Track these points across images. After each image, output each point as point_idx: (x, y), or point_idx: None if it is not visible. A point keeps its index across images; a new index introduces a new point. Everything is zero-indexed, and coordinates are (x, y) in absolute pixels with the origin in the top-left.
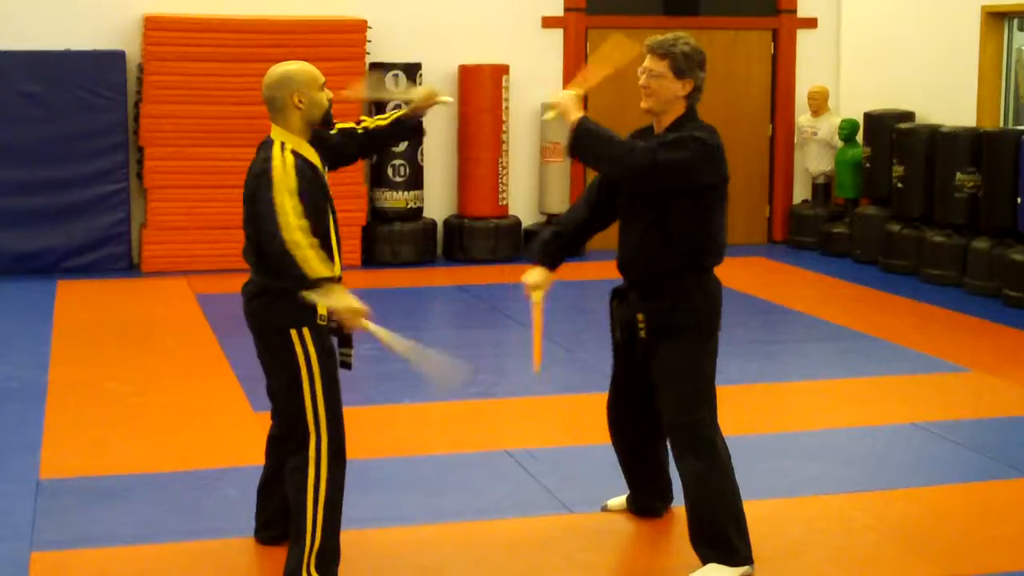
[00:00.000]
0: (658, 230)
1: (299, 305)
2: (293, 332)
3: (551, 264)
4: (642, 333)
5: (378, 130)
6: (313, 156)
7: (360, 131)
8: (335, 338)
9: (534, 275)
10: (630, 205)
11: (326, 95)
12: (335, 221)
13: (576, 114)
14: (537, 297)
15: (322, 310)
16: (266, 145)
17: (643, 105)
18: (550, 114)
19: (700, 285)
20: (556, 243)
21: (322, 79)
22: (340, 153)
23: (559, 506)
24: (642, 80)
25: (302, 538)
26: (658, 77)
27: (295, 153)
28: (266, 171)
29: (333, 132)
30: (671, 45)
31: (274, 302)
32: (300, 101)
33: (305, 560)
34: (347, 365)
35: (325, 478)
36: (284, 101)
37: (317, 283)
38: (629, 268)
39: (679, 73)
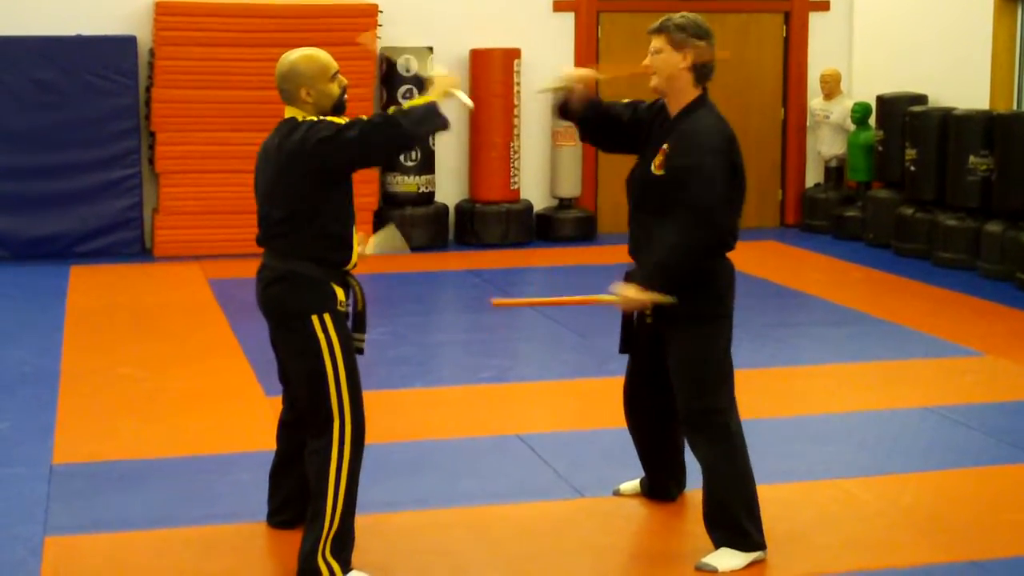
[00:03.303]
0: (670, 216)
1: (320, 291)
2: (315, 318)
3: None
4: (648, 319)
5: None
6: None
7: None
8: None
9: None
10: (641, 191)
11: (339, 83)
12: (352, 207)
13: (643, 295)
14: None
15: (341, 296)
16: (286, 123)
17: (651, 84)
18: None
19: (712, 270)
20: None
21: (333, 68)
22: None
23: (571, 490)
24: (646, 61)
25: (320, 521)
26: (658, 52)
27: None
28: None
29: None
30: (665, 20)
31: (294, 288)
32: (308, 94)
33: (321, 543)
34: (359, 351)
35: (347, 463)
36: (293, 94)
37: (432, 111)
38: (640, 253)
39: (676, 45)
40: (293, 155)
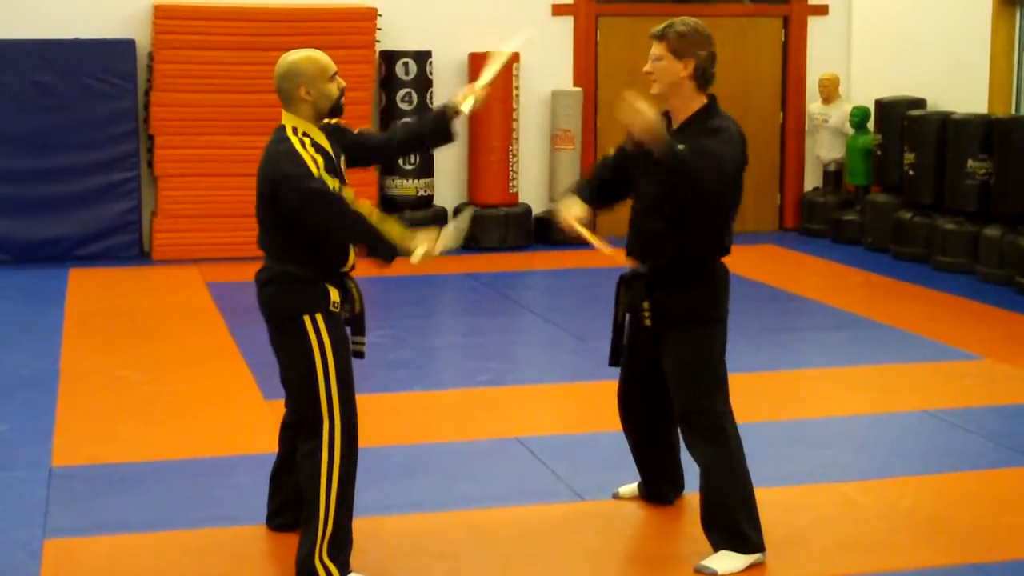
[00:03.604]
0: (668, 220)
1: (312, 292)
2: (307, 319)
3: (588, 196)
4: (647, 321)
5: (408, 132)
6: (323, 141)
7: (384, 140)
8: (347, 326)
9: (570, 206)
10: (640, 192)
11: (337, 85)
12: None
13: (658, 129)
14: (578, 227)
15: (335, 297)
16: (277, 132)
17: (652, 91)
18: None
19: (708, 273)
20: (587, 186)
21: (332, 68)
22: (354, 156)
23: (570, 493)
24: (647, 67)
25: (314, 525)
26: (659, 60)
27: (308, 136)
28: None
29: (355, 132)
30: (667, 27)
31: (287, 289)
32: (308, 93)
33: (318, 547)
34: (360, 354)
35: (338, 464)
36: (291, 93)
37: (388, 248)
38: (637, 256)
39: (677, 54)
40: (267, 169)
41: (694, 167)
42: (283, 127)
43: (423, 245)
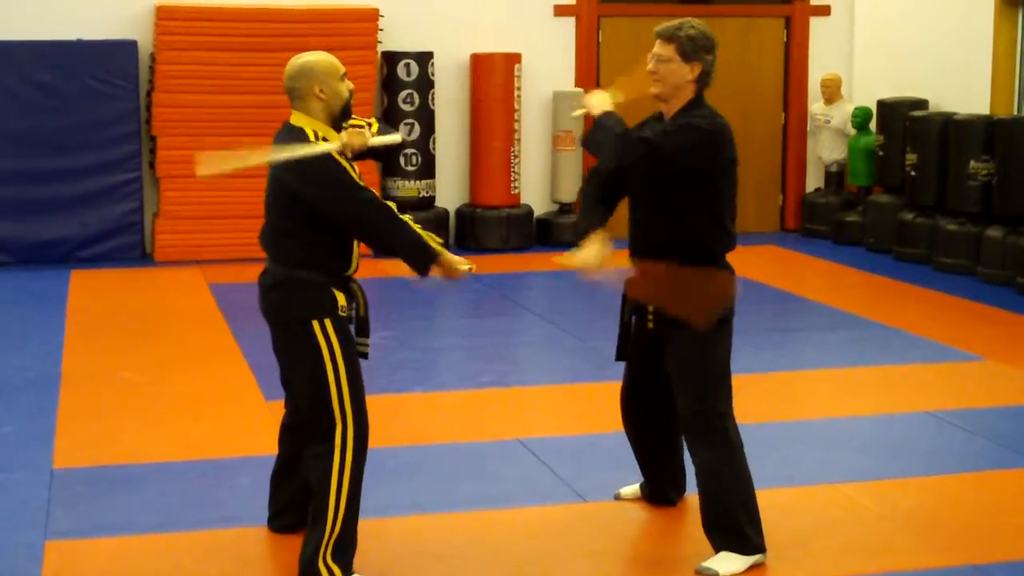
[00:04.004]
0: (666, 220)
1: (321, 297)
2: (315, 324)
3: (600, 220)
4: (650, 324)
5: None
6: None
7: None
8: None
9: (587, 254)
10: (639, 195)
11: (347, 85)
12: None
13: (598, 110)
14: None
15: (342, 301)
16: (294, 131)
17: (652, 91)
18: (578, 111)
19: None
20: (594, 212)
21: (343, 69)
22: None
23: (572, 494)
24: (650, 66)
25: (322, 526)
26: (666, 62)
27: (327, 140)
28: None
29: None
30: (677, 29)
31: (294, 293)
32: (321, 91)
33: (323, 548)
34: (364, 355)
35: (350, 467)
36: (305, 91)
37: (430, 255)
38: (640, 258)
39: (686, 57)
40: (294, 174)
41: (594, 140)
42: (300, 129)
43: (466, 264)
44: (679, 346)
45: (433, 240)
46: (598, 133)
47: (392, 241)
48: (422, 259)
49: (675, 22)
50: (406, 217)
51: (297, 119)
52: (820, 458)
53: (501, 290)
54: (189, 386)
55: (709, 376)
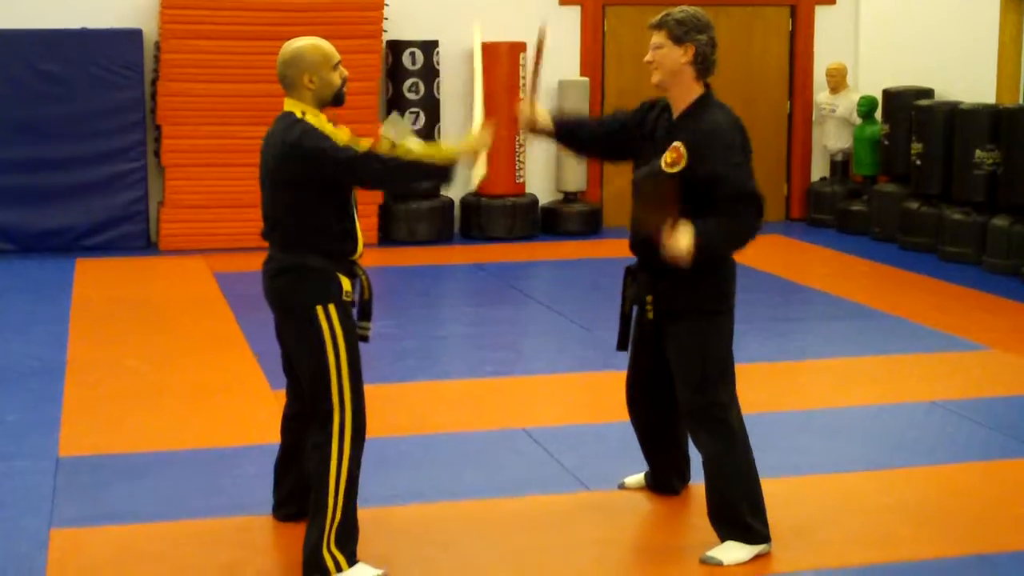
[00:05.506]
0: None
1: (326, 282)
2: (319, 309)
3: (562, 128)
4: (649, 314)
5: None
6: (327, 128)
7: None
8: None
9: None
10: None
11: (340, 74)
12: (354, 198)
13: (686, 241)
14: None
15: (347, 287)
16: (285, 117)
17: (652, 80)
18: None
19: (712, 265)
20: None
21: (336, 57)
22: None
23: (576, 484)
24: (648, 56)
25: (323, 515)
26: (659, 48)
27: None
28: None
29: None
30: (665, 15)
31: (299, 280)
32: (311, 81)
33: (326, 536)
34: (365, 338)
35: (347, 455)
36: (295, 80)
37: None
38: (641, 248)
39: (677, 40)
40: (290, 152)
41: (721, 246)
42: (291, 113)
43: (479, 168)
44: (680, 337)
45: (439, 150)
46: (706, 252)
47: (407, 187)
48: (443, 178)
49: (664, 11)
50: (405, 144)
51: (289, 104)
52: (825, 447)
53: (506, 279)
54: (194, 375)
55: (708, 367)
